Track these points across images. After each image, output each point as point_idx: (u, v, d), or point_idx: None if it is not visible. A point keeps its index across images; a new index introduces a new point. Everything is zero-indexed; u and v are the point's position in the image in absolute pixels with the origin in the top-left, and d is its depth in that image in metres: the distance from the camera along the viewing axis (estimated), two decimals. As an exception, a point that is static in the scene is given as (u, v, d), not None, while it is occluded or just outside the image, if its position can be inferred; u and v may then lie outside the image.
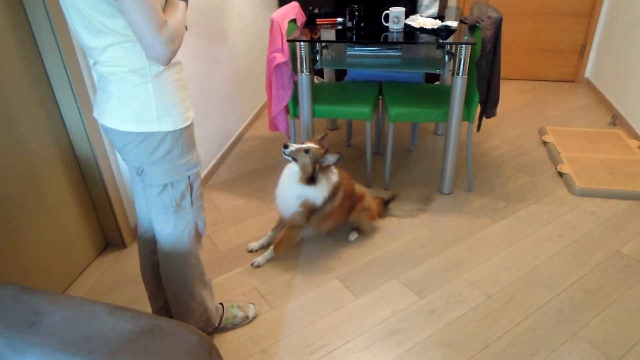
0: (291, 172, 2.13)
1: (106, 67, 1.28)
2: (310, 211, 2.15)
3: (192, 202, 1.53)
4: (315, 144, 2.09)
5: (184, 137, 1.40)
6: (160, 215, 1.51)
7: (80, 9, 1.19)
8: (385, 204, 2.57)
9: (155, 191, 1.46)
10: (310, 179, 2.06)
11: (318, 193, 2.11)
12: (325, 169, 2.11)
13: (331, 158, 2.07)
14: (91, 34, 1.23)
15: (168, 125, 1.35)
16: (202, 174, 2.90)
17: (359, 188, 2.39)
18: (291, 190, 2.12)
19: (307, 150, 2.03)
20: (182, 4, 1.30)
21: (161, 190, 1.46)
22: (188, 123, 1.40)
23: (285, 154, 2.05)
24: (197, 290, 1.67)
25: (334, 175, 2.17)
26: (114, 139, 1.39)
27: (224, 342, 1.85)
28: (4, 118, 1.73)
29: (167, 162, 1.40)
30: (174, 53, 1.22)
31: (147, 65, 1.27)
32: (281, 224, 2.36)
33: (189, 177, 1.48)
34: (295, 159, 2.06)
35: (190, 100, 1.47)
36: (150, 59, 1.25)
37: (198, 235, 1.63)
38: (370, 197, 2.42)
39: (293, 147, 2.04)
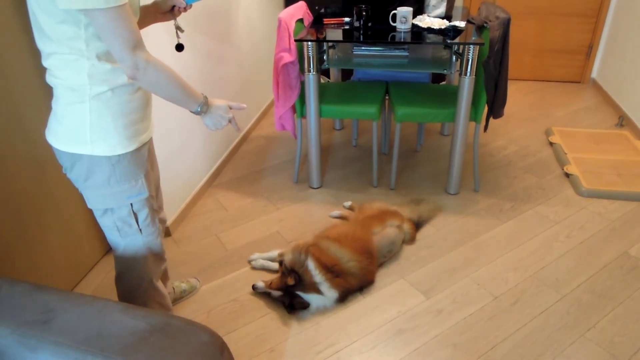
0: None
1: (49, 77, 1.23)
2: None
3: (140, 230, 1.43)
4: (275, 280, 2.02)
5: (124, 164, 1.30)
6: (108, 236, 1.45)
7: (34, 10, 1.14)
8: (417, 226, 2.48)
9: (97, 213, 1.40)
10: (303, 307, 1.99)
11: (325, 303, 1.99)
12: (310, 286, 1.95)
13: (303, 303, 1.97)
14: (38, 36, 1.18)
15: (104, 149, 1.25)
16: (208, 173, 2.90)
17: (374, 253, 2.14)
18: None
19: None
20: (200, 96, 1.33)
21: (102, 214, 1.39)
22: (130, 149, 1.30)
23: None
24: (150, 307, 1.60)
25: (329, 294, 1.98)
26: (56, 154, 1.34)
27: (231, 340, 1.85)
28: (12, 116, 1.74)
29: (102, 188, 1.32)
30: (138, 78, 1.17)
31: (87, 83, 1.19)
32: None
33: (131, 204, 1.37)
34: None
35: (147, 121, 1.36)
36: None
37: (156, 258, 1.55)
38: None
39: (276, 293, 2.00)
